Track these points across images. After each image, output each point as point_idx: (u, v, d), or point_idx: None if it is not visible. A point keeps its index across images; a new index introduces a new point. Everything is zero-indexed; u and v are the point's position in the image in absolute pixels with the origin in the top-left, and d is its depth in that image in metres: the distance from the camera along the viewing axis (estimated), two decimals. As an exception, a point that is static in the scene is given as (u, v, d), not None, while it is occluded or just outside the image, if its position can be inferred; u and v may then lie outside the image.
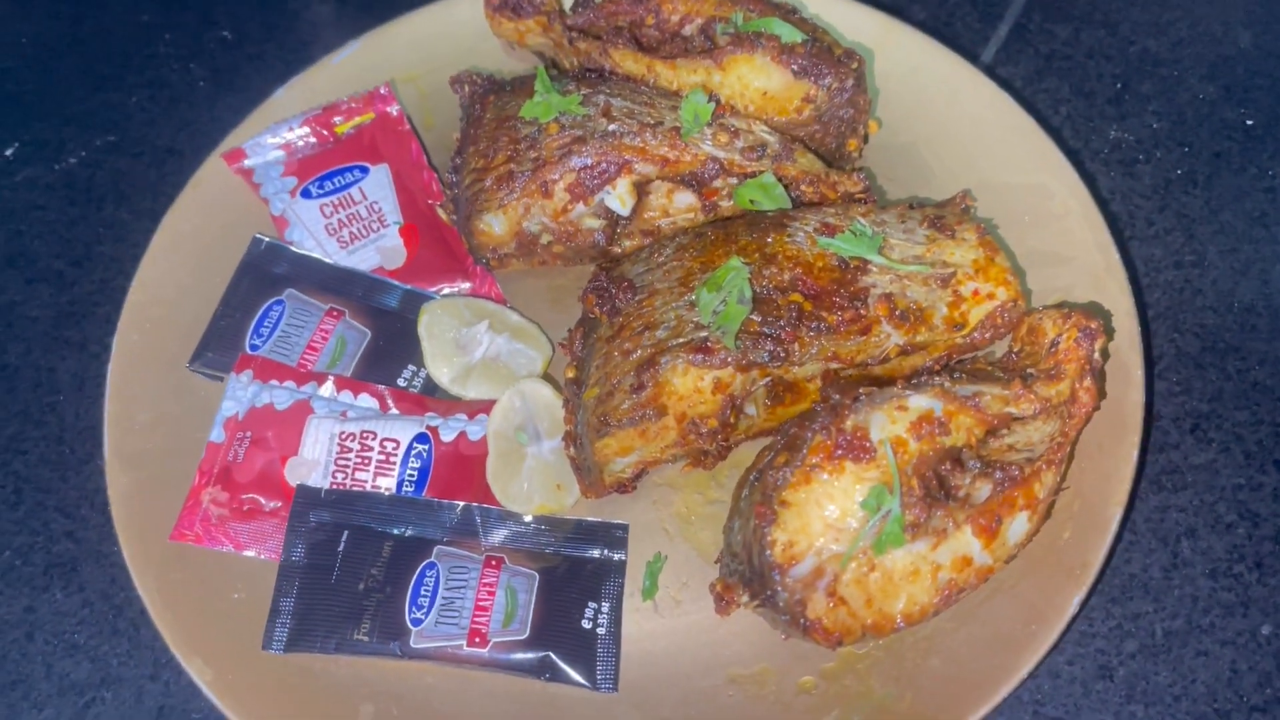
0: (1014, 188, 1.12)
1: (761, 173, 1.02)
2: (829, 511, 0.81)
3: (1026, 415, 0.88)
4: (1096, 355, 0.92)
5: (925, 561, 0.82)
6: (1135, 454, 0.94)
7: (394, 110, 1.17)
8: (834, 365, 0.93)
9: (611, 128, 1.01)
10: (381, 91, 1.17)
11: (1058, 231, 1.09)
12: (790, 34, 1.06)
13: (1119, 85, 1.28)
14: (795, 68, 1.05)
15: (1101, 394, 0.94)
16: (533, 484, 0.97)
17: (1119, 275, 1.04)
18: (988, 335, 0.98)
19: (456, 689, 0.92)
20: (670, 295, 0.94)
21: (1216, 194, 1.20)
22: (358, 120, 1.17)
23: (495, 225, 1.03)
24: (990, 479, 0.86)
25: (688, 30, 1.12)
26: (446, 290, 1.09)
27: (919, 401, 0.85)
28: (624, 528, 0.98)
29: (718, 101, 1.05)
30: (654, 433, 0.93)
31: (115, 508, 0.96)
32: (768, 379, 0.93)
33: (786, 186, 1.03)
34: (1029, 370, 0.91)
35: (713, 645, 0.93)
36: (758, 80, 1.06)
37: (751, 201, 1.02)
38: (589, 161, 1.00)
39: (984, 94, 1.16)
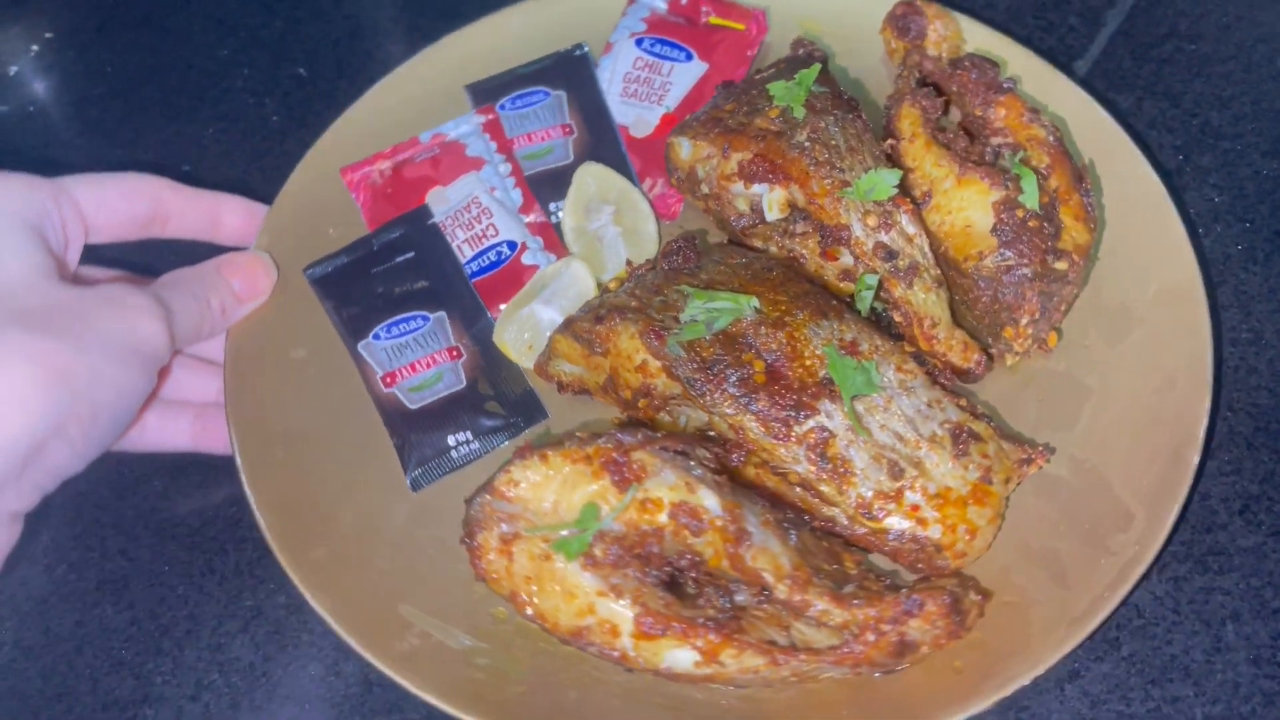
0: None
1: (870, 274, 1.00)
2: (560, 493, 0.87)
3: (778, 596, 0.84)
4: (912, 633, 0.84)
5: (584, 597, 0.85)
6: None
7: (755, 34, 1.27)
8: (729, 434, 0.94)
9: (805, 143, 1.04)
10: (760, 17, 1.27)
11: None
12: (1030, 197, 1.00)
13: (1180, 157, 1.26)
14: (998, 223, 1.00)
15: (882, 666, 0.86)
16: (515, 329, 1.10)
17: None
18: (894, 552, 0.93)
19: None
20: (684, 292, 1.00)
21: (1276, 272, 1.17)
22: (726, 23, 1.28)
23: (683, 148, 1.12)
24: (711, 606, 0.85)
25: (995, 141, 1.09)
26: (646, 184, 1.21)
27: (706, 498, 0.85)
28: (544, 415, 1.09)
29: (909, 196, 1.03)
30: (593, 363, 1.02)
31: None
32: (684, 402, 0.97)
33: (884, 305, 1.01)
34: (850, 584, 0.86)
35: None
36: (973, 212, 1.02)
37: (850, 298, 1.02)
38: (765, 154, 1.05)
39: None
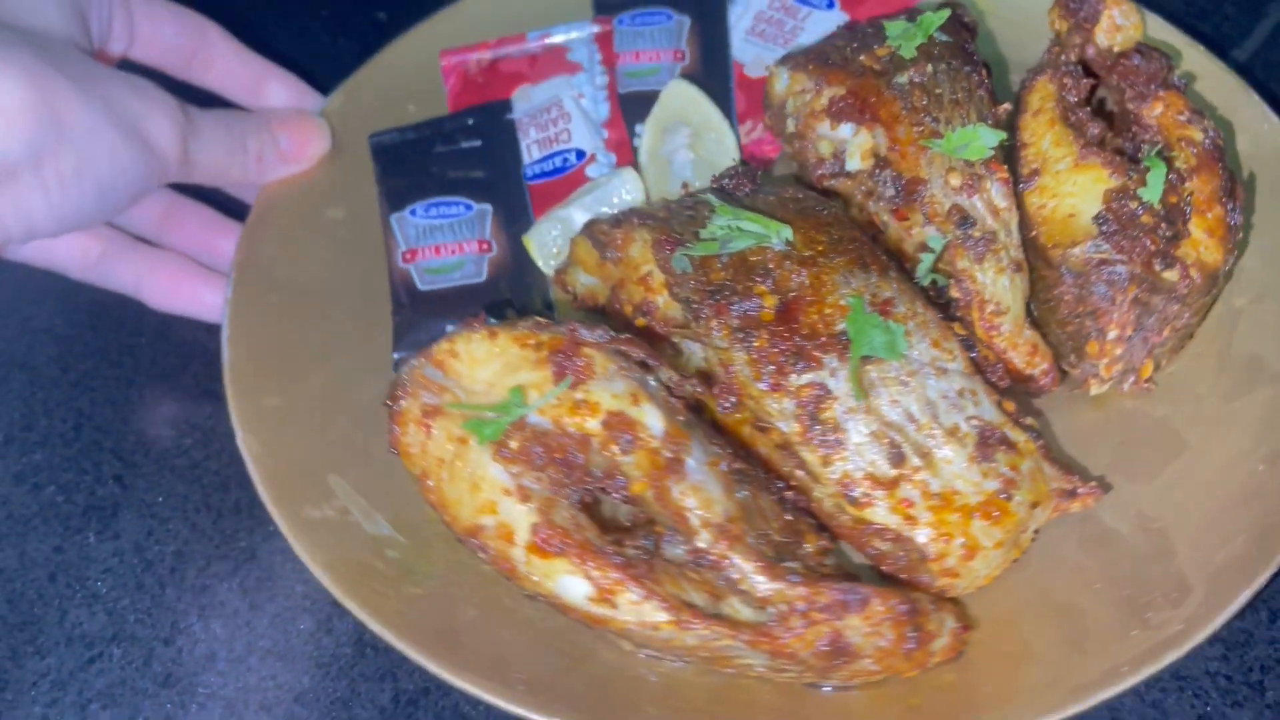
0: None
1: (938, 237, 0.85)
2: (501, 376, 0.76)
3: (697, 544, 0.70)
4: (850, 634, 0.68)
5: (489, 491, 0.73)
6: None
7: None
8: (719, 371, 0.81)
9: (904, 85, 0.90)
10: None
11: None
12: (1152, 190, 0.83)
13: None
14: (1104, 210, 0.83)
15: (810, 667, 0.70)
16: (547, 230, 1.01)
17: None
18: (869, 550, 0.77)
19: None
20: (736, 210, 0.87)
21: None
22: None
23: (780, 80, 1.00)
24: (622, 541, 0.72)
25: (1141, 139, 0.92)
26: (746, 127, 1.09)
27: (648, 414, 0.73)
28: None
29: (1005, 161, 0.87)
30: (604, 272, 0.91)
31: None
32: (688, 332, 0.84)
33: (947, 277, 0.85)
34: (793, 573, 0.71)
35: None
36: (1081, 200, 0.86)
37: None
38: (858, 90, 0.92)
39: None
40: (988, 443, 0.77)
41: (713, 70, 1.13)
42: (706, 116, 1.06)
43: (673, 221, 0.86)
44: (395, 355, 0.98)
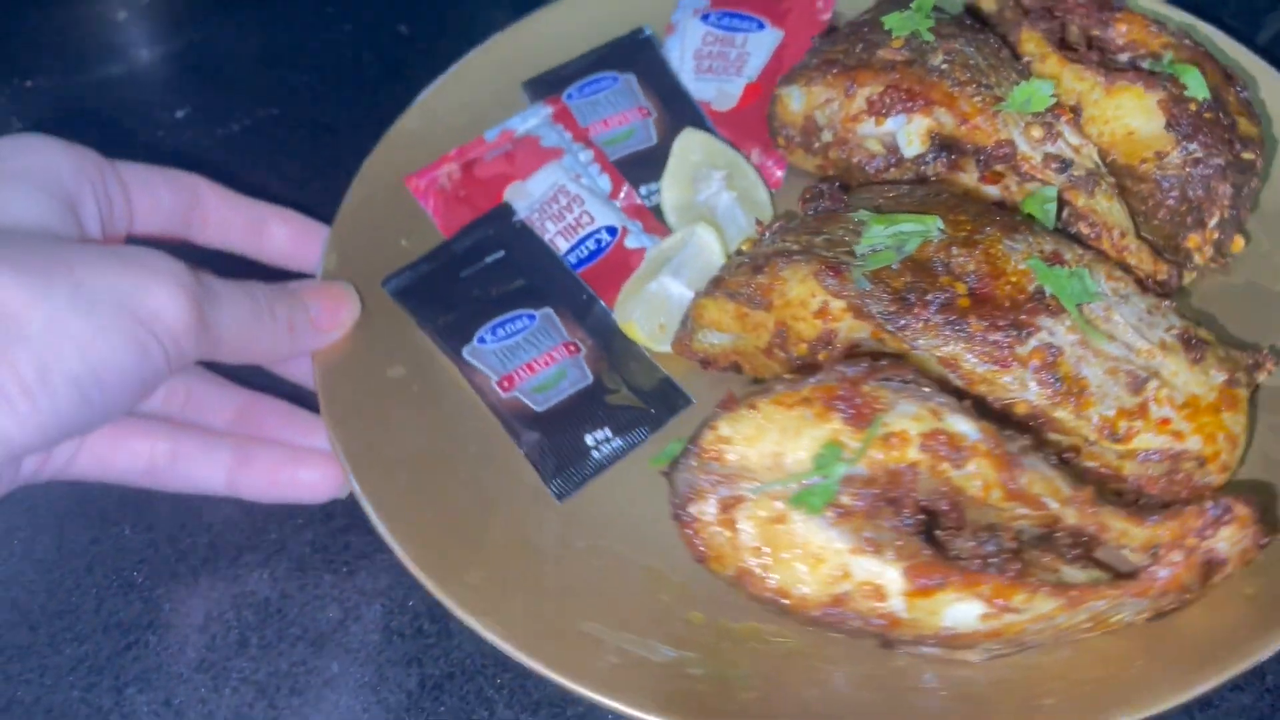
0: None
1: (1048, 185, 0.91)
2: (783, 445, 0.73)
3: (1067, 523, 0.72)
4: (1221, 546, 0.72)
5: (835, 557, 0.71)
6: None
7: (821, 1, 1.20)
8: (951, 377, 0.82)
9: (942, 66, 0.95)
10: (824, -17, 1.20)
11: None
12: (1198, 89, 0.92)
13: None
14: (1171, 118, 0.91)
15: (1188, 591, 0.73)
16: (643, 309, 0.98)
17: None
18: (1142, 479, 0.81)
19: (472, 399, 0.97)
20: (857, 220, 0.89)
21: None
22: (790, -12, 1.21)
23: (795, 100, 1.03)
24: (979, 553, 0.72)
25: (1122, 57, 1.01)
26: (749, 153, 1.11)
27: (958, 423, 0.73)
28: (687, 401, 0.96)
29: (1063, 105, 0.94)
30: (751, 323, 0.89)
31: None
32: (879, 345, 0.85)
33: (1066, 217, 0.91)
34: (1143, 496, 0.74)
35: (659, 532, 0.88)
36: (1133, 118, 0.94)
37: (1029, 215, 0.92)
38: (901, 84, 0.96)
39: None
40: (1191, 345, 0.83)
41: (683, 115, 1.13)
42: (728, 155, 1.07)
43: (815, 250, 0.87)
44: (555, 491, 0.91)
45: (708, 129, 1.12)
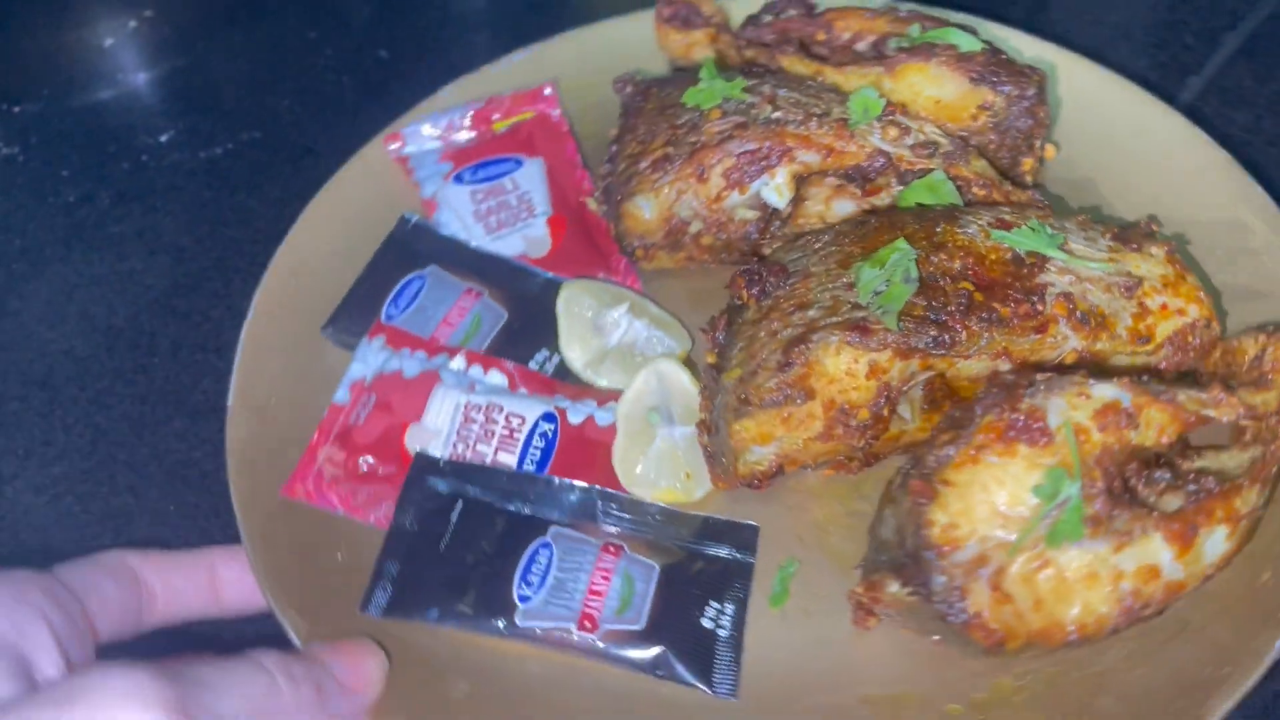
0: (1206, 224, 1.03)
1: (931, 171, 0.96)
2: (997, 496, 0.72)
3: (1227, 418, 0.77)
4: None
5: (1105, 565, 0.72)
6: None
7: (555, 113, 1.16)
8: (1003, 366, 0.85)
9: (775, 115, 0.97)
10: (545, 93, 1.16)
11: (1255, 267, 0.99)
12: (969, 43, 1.02)
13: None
14: (973, 74, 1.00)
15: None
16: (660, 469, 0.91)
17: None
18: (1176, 356, 0.89)
19: (561, 677, 0.84)
20: (826, 277, 0.88)
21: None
22: (517, 117, 1.16)
23: (646, 209, 1.00)
24: (1181, 492, 0.75)
25: (860, 46, 1.09)
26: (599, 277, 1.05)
27: (1104, 390, 0.76)
28: (755, 529, 0.90)
29: (891, 102, 1.00)
30: (798, 419, 0.86)
31: (231, 456, 0.93)
32: (928, 373, 0.86)
33: (959, 189, 0.97)
34: (1229, 381, 0.82)
35: (846, 661, 0.83)
36: (930, 88, 1.02)
37: (918, 204, 0.96)
38: (750, 147, 0.96)
39: (1173, 128, 1.09)
40: (1126, 238, 0.92)
41: (514, 276, 1.05)
42: (612, 290, 1.01)
43: (821, 322, 0.85)
44: (722, 691, 0.82)
45: (545, 279, 1.05)
